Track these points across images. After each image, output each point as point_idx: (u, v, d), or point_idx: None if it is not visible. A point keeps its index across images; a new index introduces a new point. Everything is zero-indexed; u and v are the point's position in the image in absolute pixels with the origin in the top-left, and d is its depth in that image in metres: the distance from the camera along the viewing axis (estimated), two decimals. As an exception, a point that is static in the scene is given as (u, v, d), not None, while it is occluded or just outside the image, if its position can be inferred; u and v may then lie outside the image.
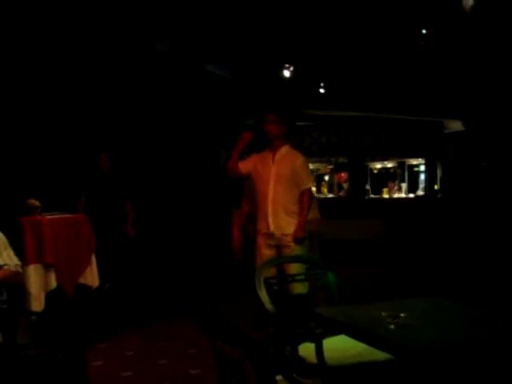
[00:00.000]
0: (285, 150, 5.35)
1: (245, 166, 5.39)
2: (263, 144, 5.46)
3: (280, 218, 5.21)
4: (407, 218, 12.61)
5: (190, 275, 8.53)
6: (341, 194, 15.43)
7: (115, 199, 7.36)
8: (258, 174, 5.36)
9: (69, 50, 7.35)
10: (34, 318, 4.97)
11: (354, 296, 3.59)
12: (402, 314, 2.56)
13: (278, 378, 3.01)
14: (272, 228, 5.21)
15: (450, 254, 10.16)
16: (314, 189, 5.91)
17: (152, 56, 8.48)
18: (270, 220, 5.21)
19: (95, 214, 6.55)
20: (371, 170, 15.98)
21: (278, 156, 5.31)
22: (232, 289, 7.92)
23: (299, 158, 5.34)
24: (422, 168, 15.49)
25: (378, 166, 16.02)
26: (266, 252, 5.25)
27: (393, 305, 2.88)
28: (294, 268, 4.45)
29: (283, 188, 5.22)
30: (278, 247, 5.25)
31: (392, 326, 2.51)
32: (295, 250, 5.17)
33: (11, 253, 4.20)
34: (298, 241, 5.18)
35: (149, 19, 7.89)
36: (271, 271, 4.04)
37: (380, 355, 2.73)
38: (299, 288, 4.54)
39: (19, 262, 4.27)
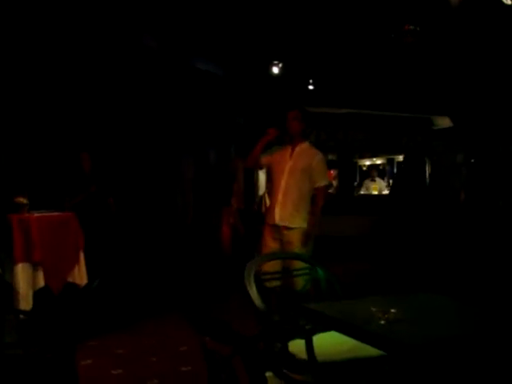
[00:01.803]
0: (305, 145, 5.53)
1: (265, 160, 5.59)
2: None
3: (287, 211, 5.32)
4: (396, 214, 12.63)
5: (180, 272, 8.51)
6: (330, 190, 15.43)
7: (97, 197, 7.39)
8: (275, 167, 5.52)
9: (53, 47, 7.29)
10: (22, 316, 4.94)
11: (344, 292, 3.59)
12: (393, 310, 2.55)
13: (268, 374, 3.00)
14: (277, 218, 5.32)
15: (438, 250, 10.19)
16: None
17: (139, 52, 8.44)
18: (277, 210, 5.33)
19: (79, 212, 6.51)
20: (360, 166, 16.03)
21: (297, 150, 5.46)
22: (223, 285, 7.92)
23: (317, 155, 5.49)
24: (411, 164, 15.52)
25: (367, 162, 16.06)
26: (270, 244, 5.36)
27: (383, 300, 2.88)
28: (297, 264, 4.45)
29: (295, 181, 5.35)
30: (282, 241, 5.32)
31: (382, 322, 2.50)
32: (297, 247, 5.21)
33: None
34: (308, 238, 5.28)
35: (136, 15, 7.85)
36: (268, 266, 4.06)
37: (370, 351, 2.72)
38: (299, 283, 4.57)
39: None
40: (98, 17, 7.33)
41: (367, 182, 14.95)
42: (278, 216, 5.31)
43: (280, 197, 5.34)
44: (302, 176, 5.35)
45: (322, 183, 5.43)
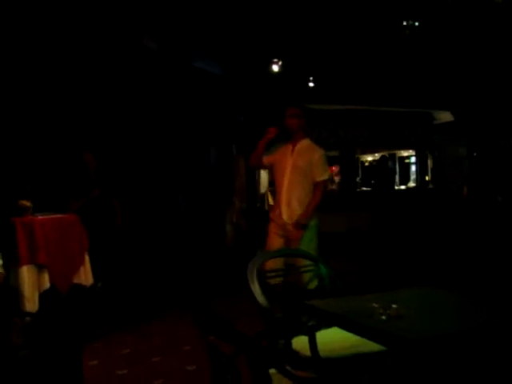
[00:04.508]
0: (305, 142, 5.50)
1: (267, 159, 5.59)
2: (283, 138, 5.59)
3: (293, 209, 5.32)
4: (399, 209, 12.66)
5: (183, 271, 8.54)
6: (332, 187, 15.49)
7: (101, 199, 7.40)
8: (277, 165, 5.52)
9: (55, 49, 7.31)
10: (27, 318, 4.97)
11: (346, 288, 3.61)
12: (394, 305, 2.58)
13: (272, 371, 3.02)
14: (285, 217, 5.33)
15: (441, 244, 10.20)
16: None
17: (140, 53, 8.46)
18: (284, 209, 5.34)
19: (83, 213, 6.53)
20: (362, 162, 16.05)
21: (297, 148, 5.44)
22: (226, 283, 7.95)
23: (318, 152, 5.46)
24: (413, 159, 15.57)
25: (369, 158, 16.08)
26: (275, 242, 5.37)
27: (384, 296, 2.90)
28: (302, 261, 4.47)
29: (298, 179, 5.34)
30: (287, 239, 5.33)
31: (384, 317, 2.52)
32: (303, 243, 5.23)
33: None
34: (298, 226, 5.25)
35: (137, 16, 7.87)
36: (271, 264, 4.08)
37: (373, 346, 2.73)
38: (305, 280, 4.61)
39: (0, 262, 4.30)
40: (99, 20, 7.34)
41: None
42: (286, 215, 5.32)
43: (284, 195, 5.35)
44: (304, 173, 5.34)
45: (321, 178, 5.41)
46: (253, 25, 8.70)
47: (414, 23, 8.33)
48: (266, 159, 5.58)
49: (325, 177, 5.51)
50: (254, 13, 8.29)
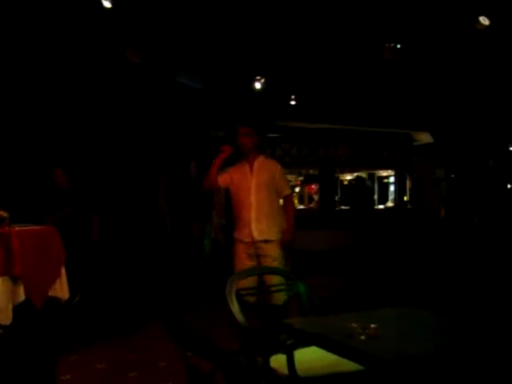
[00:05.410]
0: (262, 159, 5.56)
1: (222, 180, 5.54)
2: (236, 156, 5.55)
3: (263, 225, 5.37)
4: (378, 228, 12.74)
5: (161, 286, 8.50)
6: (311, 205, 15.54)
7: (79, 213, 7.36)
8: (237, 185, 5.49)
9: (34, 61, 7.28)
10: (1, 331, 4.90)
11: (325, 306, 3.61)
12: (373, 325, 2.58)
13: (249, 389, 3.01)
14: (255, 234, 5.35)
15: (418, 265, 10.27)
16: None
17: (122, 67, 8.45)
18: (253, 226, 5.35)
19: (59, 227, 6.47)
20: (342, 181, 16.13)
21: (256, 166, 5.48)
22: (205, 299, 7.92)
23: (277, 167, 5.57)
24: (392, 179, 15.68)
25: (348, 177, 16.16)
26: (246, 262, 5.37)
27: (363, 315, 2.90)
28: (274, 279, 4.47)
29: (265, 196, 5.40)
30: (258, 256, 5.34)
31: (362, 337, 2.52)
32: (275, 260, 5.26)
33: None
34: (288, 244, 5.43)
35: (119, 30, 7.87)
36: (245, 282, 4.06)
37: (351, 366, 2.74)
38: (280, 298, 4.62)
39: None
40: (82, 33, 7.33)
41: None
42: (256, 232, 5.34)
43: (253, 214, 5.36)
44: (269, 189, 5.42)
45: (287, 192, 5.60)
46: (236, 42, 8.74)
47: (395, 45, 8.43)
48: (220, 180, 5.53)
49: (290, 190, 5.72)
50: (238, 30, 8.34)
